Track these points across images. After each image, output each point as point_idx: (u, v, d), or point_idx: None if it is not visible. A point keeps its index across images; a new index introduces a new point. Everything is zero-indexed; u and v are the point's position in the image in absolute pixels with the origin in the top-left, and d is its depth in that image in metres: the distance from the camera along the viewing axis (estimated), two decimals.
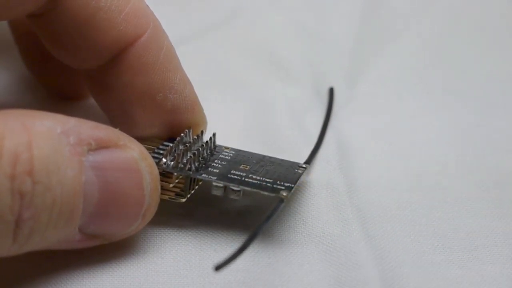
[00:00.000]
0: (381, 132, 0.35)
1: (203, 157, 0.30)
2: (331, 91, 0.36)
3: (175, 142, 0.30)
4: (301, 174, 0.30)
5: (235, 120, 0.35)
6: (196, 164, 0.30)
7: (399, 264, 0.29)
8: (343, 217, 0.31)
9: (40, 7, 0.29)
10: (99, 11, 0.29)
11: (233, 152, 0.31)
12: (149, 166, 0.27)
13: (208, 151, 0.31)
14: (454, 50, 0.39)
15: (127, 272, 0.28)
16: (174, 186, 0.29)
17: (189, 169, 0.29)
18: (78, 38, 0.29)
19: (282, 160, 0.31)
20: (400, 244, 0.30)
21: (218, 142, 0.32)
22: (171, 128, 0.31)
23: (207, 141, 0.31)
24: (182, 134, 0.31)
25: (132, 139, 0.28)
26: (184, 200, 0.29)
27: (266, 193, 0.29)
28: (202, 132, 0.31)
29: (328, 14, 0.43)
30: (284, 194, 0.29)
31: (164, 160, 0.30)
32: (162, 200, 0.29)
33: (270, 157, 0.31)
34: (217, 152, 0.31)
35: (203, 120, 0.32)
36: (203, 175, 0.29)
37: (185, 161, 0.29)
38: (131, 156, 0.27)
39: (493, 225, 0.30)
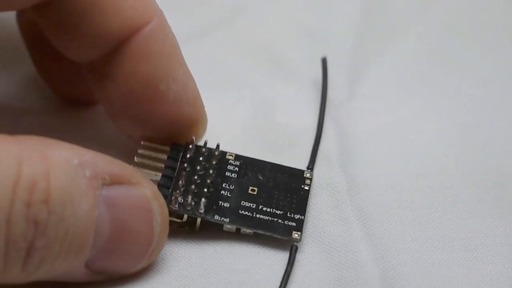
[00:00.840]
0: (381, 131, 0.35)
1: (211, 182, 0.30)
2: (324, 61, 0.36)
3: (181, 167, 0.30)
4: (308, 193, 0.31)
5: (235, 120, 0.35)
6: (206, 196, 0.30)
7: (400, 263, 0.29)
8: (343, 216, 0.31)
9: None
10: None
11: (238, 164, 0.31)
12: (160, 206, 0.27)
13: (214, 167, 0.31)
14: (454, 50, 0.39)
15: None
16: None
17: (199, 210, 0.29)
18: (85, 23, 0.29)
19: (287, 169, 0.31)
20: (401, 244, 0.30)
21: (221, 143, 0.32)
22: (172, 123, 0.31)
23: (212, 153, 0.31)
24: (186, 148, 0.31)
25: (145, 177, 0.28)
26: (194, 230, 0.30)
27: (279, 236, 0.29)
28: (205, 142, 0.31)
29: (328, 13, 0.42)
30: (297, 236, 0.29)
31: (173, 199, 0.30)
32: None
33: (276, 167, 0.32)
34: (221, 163, 0.31)
35: (204, 117, 0.32)
36: (216, 216, 0.29)
37: (193, 201, 0.29)
38: (144, 194, 0.27)
39: (493, 225, 0.30)
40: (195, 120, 0.31)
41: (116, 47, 0.30)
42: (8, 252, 0.24)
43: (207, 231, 0.30)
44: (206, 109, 0.32)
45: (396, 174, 0.33)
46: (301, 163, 0.33)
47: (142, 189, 0.27)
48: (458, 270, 0.29)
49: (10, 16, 0.35)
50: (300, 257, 0.29)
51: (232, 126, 0.35)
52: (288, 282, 0.28)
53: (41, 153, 0.25)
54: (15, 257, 0.24)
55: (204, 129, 0.32)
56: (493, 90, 0.37)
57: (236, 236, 0.30)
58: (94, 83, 0.31)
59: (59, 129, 0.34)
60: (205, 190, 0.30)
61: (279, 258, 0.29)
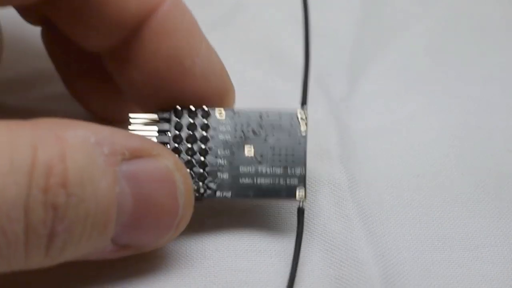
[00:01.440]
0: (382, 129, 0.35)
1: (204, 154, 0.30)
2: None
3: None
4: (305, 140, 0.30)
5: None
6: (203, 176, 0.29)
7: (400, 262, 0.29)
8: (344, 213, 0.31)
9: None
10: None
11: (229, 122, 0.30)
12: (183, 176, 0.27)
13: (204, 135, 0.30)
14: (455, 49, 0.39)
15: (128, 271, 0.28)
16: None
17: (199, 190, 0.29)
18: (101, 9, 0.29)
19: (279, 115, 0.30)
20: (401, 242, 0.30)
21: None
22: (202, 98, 0.30)
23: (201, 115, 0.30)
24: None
25: (166, 148, 0.27)
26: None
27: (283, 198, 0.29)
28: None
29: (329, 10, 0.42)
30: (301, 194, 0.29)
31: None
32: None
33: (268, 115, 0.30)
34: (212, 125, 0.30)
35: (232, 87, 0.31)
36: (217, 193, 0.29)
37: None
38: (165, 166, 0.27)
39: (493, 225, 0.30)
40: (224, 92, 0.31)
41: (134, 30, 0.29)
42: (28, 241, 0.24)
43: (208, 230, 0.30)
44: None
45: (397, 173, 0.33)
46: None
47: (163, 160, 0.27)
48: (458, 270, 0.29)
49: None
50: (301, 256, 0.29)
51: None
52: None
53: (56, 135, 0.24)
54: (37, 244, 0.24)
55: (234, 99, 0.32)
56: (493, 90, 0.37)
57: (237, 234, 0.30)
58: (116, 70, 0.31)
59: None
60: (201, 170, 0.29)
61: (281, 257, 0.29)
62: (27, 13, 0.32)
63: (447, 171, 0.32)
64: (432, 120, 0.35)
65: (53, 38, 0.33)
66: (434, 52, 0.39)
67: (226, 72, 0.31)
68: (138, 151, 0.26)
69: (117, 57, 0.30)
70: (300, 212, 0.29)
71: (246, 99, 0.35)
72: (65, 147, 0.24)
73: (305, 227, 0.30)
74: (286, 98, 0.37)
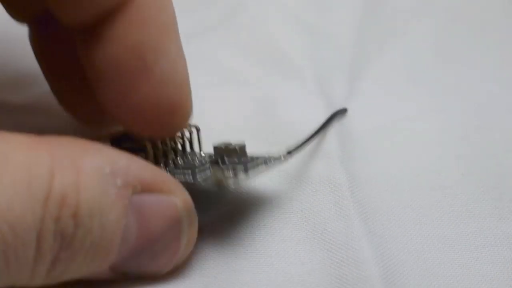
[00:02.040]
0: (382, 129, 0.35)
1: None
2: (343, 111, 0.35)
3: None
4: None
5: (237, 117, 0.36)
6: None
7: (400, 262, 0.29)
8: (344, 213, 0.31)
9: None
10: None
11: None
12: (189, 216, 0.27)
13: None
14: (455, 49, 0.39)
15: None
16: None
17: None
18: None
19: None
20: (401, 242, 0.30)
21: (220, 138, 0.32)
22: (153, 104, 0.29)
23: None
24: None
25: (178, 185, 0.27)
26: None
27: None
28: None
29: (329, 10, 0.43)
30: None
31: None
32: None
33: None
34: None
35: (188, 105, 0.30)
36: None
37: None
38: (174, 204, 0.27)
39: (493, 225, 0.30)
40: (178, 104, 0.29)
41: (109, 10, 0.28)
42: (35, 267, 0.24)
43: (208, 231, 0.30)
44: (207, 107, 0.32)
45: (397, 173, 0.33)
46: (302, 160, 0.33)
47: (172, 198, 0.27)
48: (458, 270, 0.29)
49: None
50: (301, 256, 0.29)
51: (233, 123, 0.35)
52: (289, 281, 0.28)
53: (73, 162, 0.24)
54: (40, 269, 0.24)
55: (186, 119, 0.30)
56: (493, 90, 0.37)
57: (237, 234, 0.30)
58: (83, 48, 0.30)
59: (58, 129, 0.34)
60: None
61: (280, 257, 0.29)
62: (14, 10, 0.32)
63: (447, 171, 0.32)
64: (432, 120, 0.35)
65: (40, 37, 0.34)
66: (434, 52, 0.39)
67: (188, 86, 0.30)
68: (149, 185, 0.26)
69: (87, 34, 0.29)
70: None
71: (245, 99, 0.35)
72: (81, 176, 0.24)
73: (305, 226, 0.30)
74: (286, 99, 0.37)
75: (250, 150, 0.30)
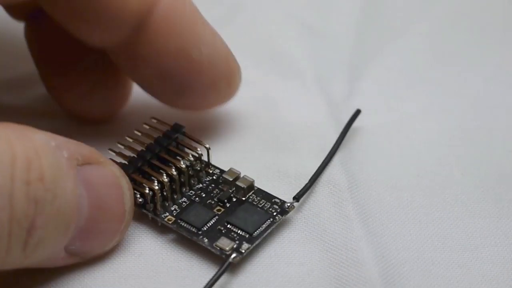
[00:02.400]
0: (382, 129, 0.35)
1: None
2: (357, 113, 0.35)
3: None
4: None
5: (237, 117, 0.35)
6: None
7: (400, 262, 0.29)
8: (344, 213, 0.31)
9: None
10: None
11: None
12: (127, 182, 0.28)
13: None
14: (455, 49, 0.39)
15: (129, 272, 0.28)
16: None
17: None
18: (103, 6, 0.29)
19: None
20: (401, 243, 0.30)
21: (222, 141, 0.32)
22: (212, 84, 0.32)
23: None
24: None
25: (108, 158, 0.28)
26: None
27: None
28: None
29: (329, 10, 0.42)
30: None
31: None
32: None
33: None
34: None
35: (238, 69, 0.32)
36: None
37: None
38: (113, 172, 0.27)
39: (493, 225, 0.30)
40: (231, 74, 0.32)
41: (137, 26, 0.30)
42: (11, 231, 0.24)
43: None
44: None
45: (397, 173, 0.33)
46: (303, 160, 0.33)
47: (110, 167, 0.28)
48: (458, 270, 0.29)
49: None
50: (301, 256, 0.29)
51: (233, 124, 0.35)
52: (289, 281, 0.28)
53: (25, 135, 0.25)
54: (18, 237, 0.24)
55: (240, 79, 0.33)
56: (493, 90, 0.37)
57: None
58: (125, 67, 0.32)
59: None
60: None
61: (280, 257, 0.29)
62: (13, 9, 0.33)
63: (447, 171, 0.32)
64: (432, 120, 0.35)
65: (36, 34, 0.34)
66: (434, 52, 0.39)
67: (231, 53, 0.32)
68: (88, 158, 0.27)
69: (126, 54, 0.31)
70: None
71: (246, 99, 0.35)
72: (36, 145, 0.25)
73: (305, 227, 0.30)
74: (286, 99, 0.37)
75: (257, 183, 0.31)
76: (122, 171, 0.28)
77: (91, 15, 0.30)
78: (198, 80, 0.31)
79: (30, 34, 0.34)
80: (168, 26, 0.30)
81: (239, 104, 0.35)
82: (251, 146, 0.34)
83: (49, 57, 0.34)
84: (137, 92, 0.34)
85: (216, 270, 0.28)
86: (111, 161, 0.28)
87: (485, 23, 0.41)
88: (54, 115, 0.35)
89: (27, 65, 0.36)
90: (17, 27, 0.35)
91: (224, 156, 0.32)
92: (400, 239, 0.30)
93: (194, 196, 0.31)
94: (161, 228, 0.30)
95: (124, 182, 0.28)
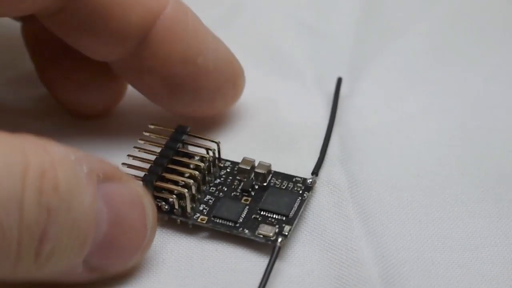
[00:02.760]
0: (382, 129, 0.35)
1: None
2: (339, 81, 0.36)
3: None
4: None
5: (236, 117, 0.35)
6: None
7: (400, 262, 0.29)
8: (344, 213, 0.31)
9: None
10: None
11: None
12: (150, 202, 0.28)
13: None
14: (455, 49, 0.39)
15: (129, 272, 0.28)
16: None
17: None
18: (105, 22, 0.29)
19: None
20: (401, 242, 0.30)
21: (222, 142, 0.32)
22: (218, 87, 0.32)
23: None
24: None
25: (131, 176, 0.28)
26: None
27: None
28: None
29: (329, 10, 0.42)
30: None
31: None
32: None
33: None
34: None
35: (242, 70, 0.33)
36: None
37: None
38: (136, 190, 0.27)
39: (493, 225, 0.30)
40: (236, 77, 0.33)
41: (141, 39, 0.30)
42: (21, 239, 0.24)
43: (208, 230, 0.30)
44: None
45: (397, 173, 0.33)
46: (303, 160, 0.33)
47: (133, 185, 0.27)
48: (458, 270, 0.29)
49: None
50: (301, 256, 0.29)
51: (233, 124, 0.35)
52: (289, 281, 0.28)
53: (43, 147, 0.25)
54: (28, 245, 0.24)
55: (244, 79, 0.34)
56: (493, 90, 0.37)
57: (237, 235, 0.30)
58: (130, 78, 0.32)
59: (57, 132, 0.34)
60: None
61: (280, 258, 0.29)
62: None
63: (447, 171, 0.32)
64: (432, 120, 0.35)
65: (32, 29, 0.34)
66: (434, 52, 0.39)
67: (234, 56, 0.33)
68: (110, 174, 0.27)
69: (130, 66, 0.31)
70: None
71: (246, 99, 0.35)
72: (54, 157, 0.25)
73: (305, 227, 0.30)
74: (286, 99, 0.37)
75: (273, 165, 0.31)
76: (145, 189, 0.28)
77: (93, 30, 0.30)
78: (204, 86, 0.32)
79: (27, 30, 0.34)
80: (171, 37, 0.30)
81: (239, 104, 0.35)
82: (251, 146, 0.34)
83: (44, 48, 0.34)
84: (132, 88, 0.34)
85: (216, 269, 0.28)
86: (133, 179, 0.28)
87: (485, 23, 0.41)
88: (53, 115, 0.35)
89: (26, 65, 0.36)
90: (17, 27, 0.35)
91: (224, 156, 0.32)
92: (400, 239, 0.30)
93: (216, 192, 0.31)
94: (192, 229, 0.30)
95: (147, 201, 0.28)
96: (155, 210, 0.28)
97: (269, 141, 0.34)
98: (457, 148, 0.34)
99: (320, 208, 0.31)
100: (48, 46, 0.33)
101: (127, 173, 0.28)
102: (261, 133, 0.35)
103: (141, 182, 0.29)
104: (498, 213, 0.31)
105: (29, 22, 0.34)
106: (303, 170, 0.32)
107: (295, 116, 0.36)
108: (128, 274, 0.28)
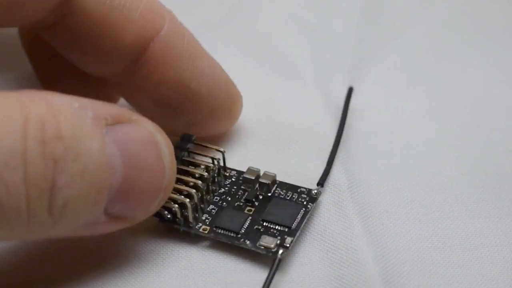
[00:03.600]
0: (382, 129, 0.35)
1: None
2: (350, 92, 0.36)
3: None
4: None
5: None
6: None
7: (400, 262, 0.29)
8: (344, 213, 0.31)
9: (51, 9, 0.29)
10: (115, 10, 0.29)
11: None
12: (164, 138, 0.27)
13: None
14: (455, 49, 0.39)
15: (129, 272, 0.28)
16: None
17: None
18: (98, 40, 0.29)
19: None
20: (401, 242, 0.30)
21: (222, 142, 0.32)
22: (211, 112, 0.32)
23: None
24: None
25: (142, 115, 0.27)
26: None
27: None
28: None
29: (329, 10, 0.42)
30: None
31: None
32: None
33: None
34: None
35: (238, 97, 0.33)
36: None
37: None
38: (147, 129, 0.27)
39: (493, 225, 0.30)
40: (231, 102, 0.32)
41: (136, 59, 0.30)
42: (29, 193, 0.23)
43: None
44: None
45: (396, 173, 0.33)
46: (301, 161, 0.33)
47: (144, 124, 0.27)
48: (458, 270, 0.29)
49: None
50: (301, 256, 0.29)
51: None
52: (289, 281, 0.28)
53: (42, 97, 0.24)
54: (39, 198, 0.24)
55: (241, 106, 0.33)
56: (493, 90, 0.37)
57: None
58: (124, 94, 0.32)
59: None
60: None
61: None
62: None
63: (447, 171, 0.32)
64: (432, 120, 0.35)
65: (31, 35, 0.34)
66: (434, 52, 0.39)
67: (231, 82, 0.32)
68: (119, 117, 0.26)
69: (123, 84, 0.31)
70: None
71: (245, 99, 0.35)
72: (54, 106, 0.24)
73: (305, 227, 0.30)
74: (286, 99, 0.37)
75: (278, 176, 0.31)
76: (158, 127, 0.27)
77: (84, 48, 0.30)
78: (197, 110, 0.32)
79: (24, 35, 0.34)
80: (165, 60, 0.30)
81: None
82: (251, 146, 0.34)
83: (41, 54, 0.34)
84: None
85: (216, 269, 0.28)
86: (145, 118, 0.27)
87: (485, 23, 0.41)
88: None
89: (26, 65, 0.36)
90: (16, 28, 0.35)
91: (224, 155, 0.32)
92: (400, 238, 0.30)
93: (220, 202, 0.31)
94: (193, 239, 0.30)
95: (161, 138, 0.27)
96: (171, 146, 0.27)
97: (269, 141, 0.34)
98: (457, 148, 0.34)
99: (320, 208, 0.31)
100: (45, 50, 0.33)
101: (136, 113, 0.27)
102: (260, 133, 0.35)
103: (151, 121, 0.28)
104: (498, 213, 0.31)
105: (26, 30, 0.34)
106: (302, 171, 0.32)
107: (295, 116, 0.36)
108: (129, 274, 0.28)
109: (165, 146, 0.27)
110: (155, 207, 0.27)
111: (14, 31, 0.35)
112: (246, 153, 0.33)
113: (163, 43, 0.30)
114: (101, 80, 0.33)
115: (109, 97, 0.35)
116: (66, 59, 0.31)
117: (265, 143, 0.34)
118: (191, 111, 0.32)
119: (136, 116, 0.27)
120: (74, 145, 0.24)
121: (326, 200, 0.31)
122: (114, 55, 0.30)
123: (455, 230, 0.30)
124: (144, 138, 0.26)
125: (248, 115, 0.35)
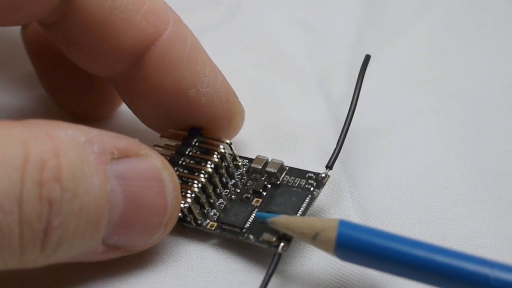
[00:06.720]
0: (382, 129, 0.35)
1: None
2: (367, 59, 0.34)
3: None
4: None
5: None
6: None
7: None
8: (344, 213, 0.31)
9: (52, 9, 0.29)
10: (115, 11, 0.29)
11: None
12: (170, 175, 0.27)
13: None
14: (455, 50, 0.39)
15: (129, 272, 0.28)
16: None
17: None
18: (97, 40, 0.29)
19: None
20: None
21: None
22: (209, 122, 0.31)
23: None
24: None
25: (152, 149, 0.28)
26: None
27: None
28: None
29: (329, 10, 0.42)
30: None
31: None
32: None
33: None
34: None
35: (239, 110, 0.32)
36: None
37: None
38: (153, 165, 0.27)
39: (492, 225, 0.30)
40: (230, 115, 0.32)
41: (136, 61, 0.30)
42: (23, 234, 0.24)
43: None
44: None
45: (396, 173, 0.33)
46: (302, 160, 0.33)
47: (150, 159, 0.27)
48: None
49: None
50: (301, 256, 0.29)
51: None
52: (289, 281, 0.28)
53: (47, 132, 0.24)
54: (32, 238, 0.24)
55: (242, 119, 0.32)
56: (493, 90, 0.37)
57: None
58: (122, 96, 0.32)
59: None
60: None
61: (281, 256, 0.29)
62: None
63: (447, 171, 0.32)
64: (432, 120, 0.35)
65: (33, 36, 0.34)
66: (434, 52, 0.39)
67: (233, 94, 0.32)
68: (126, 151, 0.26)
69: (122, 85, 0.31)
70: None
71: (246, 99, 0.35)
72: (57, 143, 0.24)
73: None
74: (286, 98, 0.37)
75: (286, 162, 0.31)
76: (166, 163, 0.27)
77: (84, 47, 0.30)
78: (194, 119, 0.31)
79: (27, 34, 0.34)
80: (164, 64, 0.30)
81: None
82: (251, 146, 0.34)
83: (44, 54, 0.34)
84: None
85: (215, 269, 0.28)
86: (154, 152, 0.28)
87: (484, 24, 0.41)
88: (53, 115, 0.35)
89: (26, 65, 0.36)
90: (17, 28, 0.35)
91: None
92: None
93: (229, 194, 0.31)
94: (201, 236, 0.30)
95: (166, 174, 0.27)
96: (177, 183, 0.28)
97: (269, 141, 0.34)
98: (457, 148, 0.34)
99: (320, 207, 0.31)
100: (47, 52, 0.33)
101: (147, 146, 0.27)
102: (260, 132, 0.35)
103: (161, 156, 0.28)
104: (497, 213, 0.31)
105: (28, 28, 0.34)
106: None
107: (295, 116, 0.36)
108: (129, 274, 0.28)
109: (169, 183, 0.27)
110: (155, 240, 0.28)
111: (14, 31, 0.35)
112: (246, 152, 0.33)
113: (164, 47, 0.30)
114: (103, 84, 0.34)
115: (110, 101, 0.35)
116: (69, 63, 0.31)
117: (265, 142, 0.34)
118: (187, 119, 0.31)
119: (144, 150, 0.27)
120: (73, 186, 0.24)
121: (326, 200, 0.31)
122: (113, 56, 0.30)
123: (455, 230, 0.30)
124: (148, 174, 0.27)
125: (248, 114, 0.35)
